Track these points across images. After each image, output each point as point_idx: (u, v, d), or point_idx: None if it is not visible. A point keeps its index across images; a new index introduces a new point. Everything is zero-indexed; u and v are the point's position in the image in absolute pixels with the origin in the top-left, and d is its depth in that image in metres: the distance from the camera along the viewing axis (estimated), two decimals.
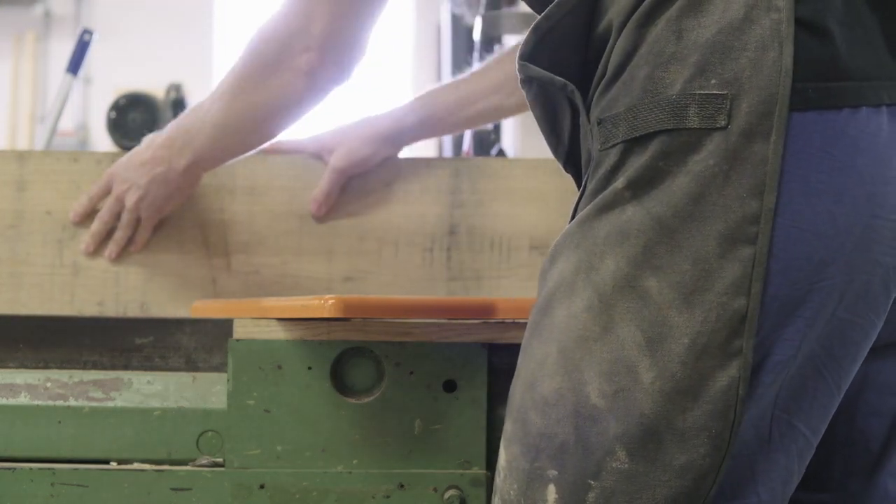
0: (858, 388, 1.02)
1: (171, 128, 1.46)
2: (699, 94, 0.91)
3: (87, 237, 1.52)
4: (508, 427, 1.00)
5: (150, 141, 1.48)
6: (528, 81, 1.04)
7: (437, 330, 1.17)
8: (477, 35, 2.64)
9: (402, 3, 6.93)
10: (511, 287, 1.50)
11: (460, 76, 1.68)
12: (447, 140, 3.80)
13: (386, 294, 1.51)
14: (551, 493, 0.94)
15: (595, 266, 0.94)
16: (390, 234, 1.53)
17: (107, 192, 1.51)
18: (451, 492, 1.16)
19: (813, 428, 0.95)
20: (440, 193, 1.53)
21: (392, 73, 6.62)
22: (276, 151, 1.56)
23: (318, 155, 1.57)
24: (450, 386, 1.17)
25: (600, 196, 0.95)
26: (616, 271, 0.93)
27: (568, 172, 1.08)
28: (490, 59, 1.68)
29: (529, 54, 1.02)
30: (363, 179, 1.53)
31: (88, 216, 1.54)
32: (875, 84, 0.93)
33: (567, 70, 1.00)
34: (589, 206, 0.96)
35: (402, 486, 1.17)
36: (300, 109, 1.37)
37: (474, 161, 1.55)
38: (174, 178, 1.45)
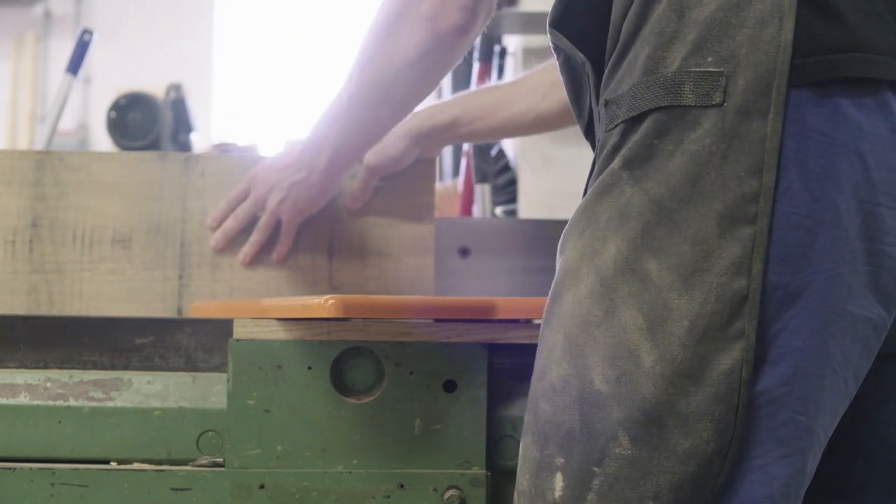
0: (885, 396, 1.01)
1: (311, 127, 1.42)
2: (695, 71, 0.90)
3: (217, 233, 1.50)
4: (525, 418, 1.00)
5: (293, 145, 1.45)
6: (556, 49, 1.04)
7: (437, 330, 1.17)
8: None
9: None
10: (93, 280, 1.50)
11: (499, 82, 1.66)
12: None
13: None
14: (559, 481, 0.94)
15: (598, 251, 0.93)
16: None
17: (246, 195, 1.49)
18: (451, 492, 1.16)
19: (825, 427, 0.93)
20: (23, 186, 1.51)
21: None
22: None
23: None
24: (450, 386, 1.17)
25: (599, 179, 0.95)
26: (617, 255, 0.92)
27: (588, 141, 1.08)
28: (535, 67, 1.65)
29: (557, 21, 1.02)
30: None
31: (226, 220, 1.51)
32: (887, 60, 0.91)
33: (590, 45, 1.00)
34: (590, 191, 0.96)
35: (402, 486, 1.17)
36: (425, 66, 1.25)
37: (58, 153, 1.53)
38: (316, 182, 1.43)
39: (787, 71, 0.88)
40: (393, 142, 1.50)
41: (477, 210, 2.60)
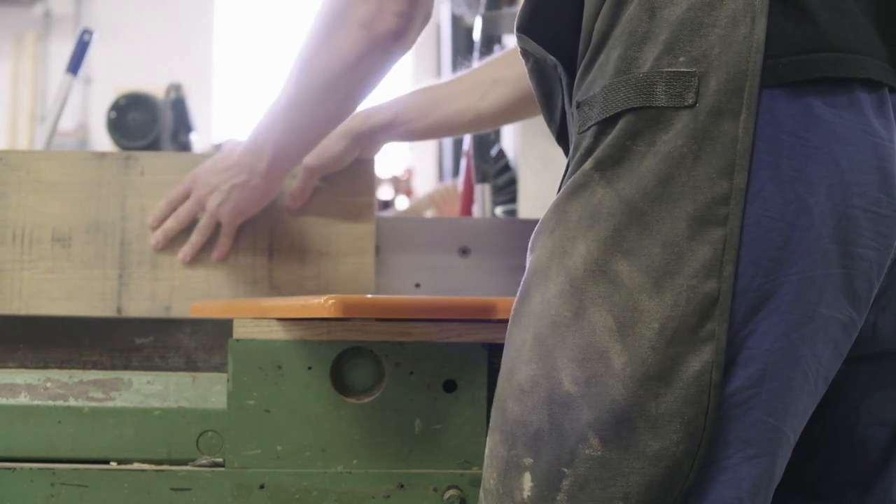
0: (861, 396, 1.01)
1: (252, 130, 1.42)
2: (667, 71, 0.90)
3: (157, 233, 1.50)
4: (492, 416, 1.00)
5: (234, 146, 1.45)
6: (525, 53, 1.03)
7: (437, 330, 1.17)
8: (477, 35, 2.64)
9: None
10: (33, 279, 1.50)
11: (440, 80, 1.66)
12: (447, 140, 3.78)
13: None
14: (527, 480, 0.94)
15: (568, 251, 0.93)
16: None
17: (186, 196, 1.49)
18: (451, 492, 1.16)
19: (794, 428, 0.93)
20: None
21: (391, 72, 6.61)
22: None
23: None
24: (450, 386, 1.17)
25: (571, 179, 0.95)
26: (587, 255, 0.92)
27: (560, 146, 1.08)
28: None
29: (526, 26, 1.02)
30: None
31: (166, 220, 1.51)
32: (860, 58, 0.90)
33: (561, 48, 0.99)
34: (562, 191, 0.96)
35: (402, 486, 1.17)
36: (362, 70, 1.26)
37: None
38: (257, 184, 1.43)
39: (760, 71, 0.88)
40: (332, 142, 1.50)
41: (477, 210, 2.60)
